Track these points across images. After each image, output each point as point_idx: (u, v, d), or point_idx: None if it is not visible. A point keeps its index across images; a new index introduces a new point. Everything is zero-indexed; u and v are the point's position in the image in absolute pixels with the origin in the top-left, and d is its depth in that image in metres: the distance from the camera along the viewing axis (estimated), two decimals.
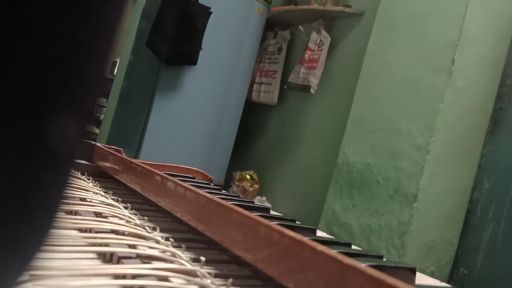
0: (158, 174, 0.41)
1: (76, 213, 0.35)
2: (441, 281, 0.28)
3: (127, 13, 3.02)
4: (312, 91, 2.26)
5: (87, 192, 0.42)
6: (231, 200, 0.40)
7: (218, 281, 0.26)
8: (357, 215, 1.68)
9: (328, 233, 0.41)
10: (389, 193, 1.59)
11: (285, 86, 2.48)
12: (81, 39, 0.12)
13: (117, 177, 0.50)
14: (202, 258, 0.28)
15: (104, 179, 0.54)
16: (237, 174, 2.61)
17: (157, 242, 0.31)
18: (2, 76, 0.10)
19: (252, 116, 2.77)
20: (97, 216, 0.35)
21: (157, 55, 2.17)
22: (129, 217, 0.36)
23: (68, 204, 0.36)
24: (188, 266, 0.27)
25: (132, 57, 2.30)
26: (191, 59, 2.19)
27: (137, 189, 0.45)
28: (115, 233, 0.31)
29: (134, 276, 0.24)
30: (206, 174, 0.61)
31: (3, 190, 0.11)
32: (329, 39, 2.27)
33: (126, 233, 0.32)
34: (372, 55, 1.80)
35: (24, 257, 0.13)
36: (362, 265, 0.20)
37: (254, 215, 0.27)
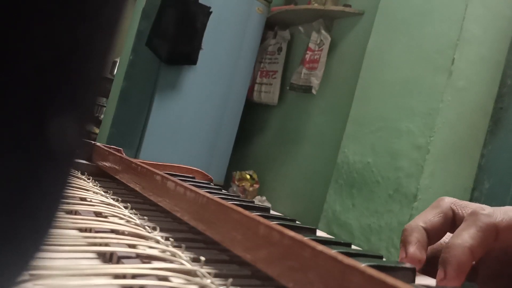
0: (158, 174, 0.41)
1: (76, 212, 0.35)
2: None
3: (127, 13, 3.02)
4: (313, 91, 2.27)
5: (87, 192, 0.42)
6: (231, 200, 0.40)
7: (218, 281, 0.26)
8: (357, 215, 1.69)
9: (328, 233, 0.41)
10: (389, 193, 1.59)
11: (288, 88, 2.48)
12: (81, 39, 0.12)
13: (117, 177, 0.50)
14: (202, 258, 0.28)
15: (104, 178, 0.54)
16: (237, 174, 2.61)
17: (157, 241, 0.31)
18: (2, 76, 0.10)
19: (252, 116, 2.77)
20: (97, 216, 0.35)
21: (157, 55, 2.17)
22: (129, 217, 0.36)
23: (68, 203, 0.36)
24: (188, 266, 0.27)
25: (132, 57, 2.30)
26: (191, 59, 2.19)
27: (137, 188, 0.45)
28: (115, 233, 0.31)
29: (134, 276, 0.24)
30: (206, 174, 0.61)
31: (2, 189, 0.11)
32: (329, 39, 2.27)
33: (126, 232, 0.32)
34: (372, 55, 1.80)
35: (24, 257, 0.13)
36: (362, 265, 0.20)
37: (254, 215, 0.27)
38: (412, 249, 0.29)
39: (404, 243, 0.30)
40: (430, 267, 0.29)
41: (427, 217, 0.31)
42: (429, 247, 0.32)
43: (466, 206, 0.31)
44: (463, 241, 0.27)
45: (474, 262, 0.32)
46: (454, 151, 1.58)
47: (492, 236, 0.28)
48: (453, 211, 0.31)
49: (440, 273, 0.27)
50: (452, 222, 0.31)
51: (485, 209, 0.28)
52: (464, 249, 0.27)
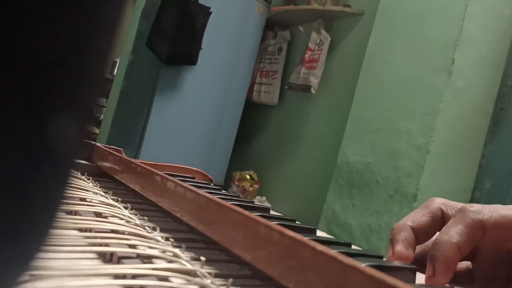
0: (158, 174, 0.41)
1: (76, 213, 0.35)
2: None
3: (127, 13, 3.02)
4: (312, 90, 2.27)
5: (87, 192, 0.42)
6: (231, 200, 0.40)
7: (218, 281, 0.26)
8: (357, 215, 1.68)
9: (328, 233, 0.41)
10: (389, 193, 1.59)
11: (286, 87, 2.48)
12: (81, 39, 0.12)
13: (117, 177, 0.50)
14: (202, 258, 0.28)
15: (104, 179, 0.54)
16: (237, 174, 2.61)
17: (157, 242, 0.31)
18: (2, 76, 0.10)
19: (252, 116, 2.77)
20: (97, 216, 0.35)
21: (157, 55, 2.17)
22: (129, 217, 0.36)
23: (68, 204, 0.36)
24: (188, 266, 0.27)
25: (132, 57, 2.30)
26: (191, 59, 2.19)
27: (137, 189, 0.45)
28: (115, 233, 0.31)
29: (134, 276, 0.24)
30: (206, 174, 0.61)
31: (3, 190, 0.11)
32: (329, 39, 2.27)
33: (126, 233, 0.32)
34: (372, 55, 1.80)
35: (24, 257, 0.13)
36: (362, 265, 0.20)
37: (254, 215, 0.27)
38: (399, 247, 0.30)
39: (392, 241, 0.31)
40: (420, 266, 0.29)
41: (416, 216, 0.32)
42: (419, 246, 0.32)
43: (455, 206, 0.31)
44: (450, 237, 0.27)
45: (470, 264, 0.32)
46: (454, 151, 1.58)
47: (479, 232, 0.28)
48: (442, 211, 0.31)
49: (428, 270, 0.27)
50: (441, 222, 0.31)
51: (474, 206, 0.29)
52: (451, 245, 0.27)
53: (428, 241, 0.32)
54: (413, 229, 0.31)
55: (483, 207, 0.29)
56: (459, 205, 0.31)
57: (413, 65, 1.61)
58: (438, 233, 0.30)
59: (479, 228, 0.28)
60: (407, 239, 0.30)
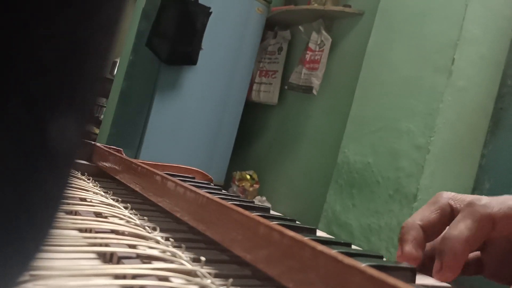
0: (158, 174, 0.41)
1: (76, 213, 0.35)
2: (441, 281, 0.28)
3: (127, 13, 3.02)
4: (314, 92, 2.26)
5: (87, 192, 0.42)
6: (231, 200, 0.40)
7: (218, 281, 0.26)
8: (357, 215, 1.68)
9: (328, 233, 0.41)
10: (389, 193, 1.59)
11: (286, 87, 2.48)
12: (81, 39, 0.12)
13: (117, 177, 0.50)
14: (202, 258, 0.28)
15: (104, 179, 0.54)
16: (237, 174, 2.61)
17: (157, 242, 0.31)
18: (2, 76, 0.10)
19: (252, 116, 2.77)
20: (97, 216, 0.35)
21: (157, 55, 2.17)
22: (129, 217, 0.36)
23: (68, 204, 0.36)
24: (188, 266, 0.27)
25: (132, 57, 2.30)
26: (191, 59, 2.19)
27: (137, 189, 0.45)
28: (115, 233, 0.31)
29: (134, 276, 0.24)
30: (206, 174, 0.61)
31: (3, 190, 0.11)
32: (330, 40, 2.27)
33: (126, 233, 0.32)
34: (372, 55, 1.80)
35: (24, 257, 0.13)
36: (362, 265, 0.20)
37: (254, 215, 0.27)
38: (408, 247, 0.30)
39: (401, 241, 0.30)
40: (431, 262, 0.29)
41: (424, 214, 0.31)
42: (429, 243, 0.32)
43: (464, 200, 0.31)
44: (459, 233, 0.27)
45: (479, 253, 0.31)
46: (455, 151, 1.58)
47: (489, 226, 0.28)
48: (450, 206, 0.31)
49: (437, 264, 0.27)
50: (450, 216, 0.31)
51: (482, 200, 0.28)
52: (460, 240, 0.27)
53: (438, 237, 0.32)
54: (423, 227, 0.31)
55: (492, 200, 0.28)
56: (468, 198, 0.30)
57: (413, 65, 1.61)
58: (448, 227, 0.30)
59: (488, 223, 0.27)
60: (416, 238, 0.30)
